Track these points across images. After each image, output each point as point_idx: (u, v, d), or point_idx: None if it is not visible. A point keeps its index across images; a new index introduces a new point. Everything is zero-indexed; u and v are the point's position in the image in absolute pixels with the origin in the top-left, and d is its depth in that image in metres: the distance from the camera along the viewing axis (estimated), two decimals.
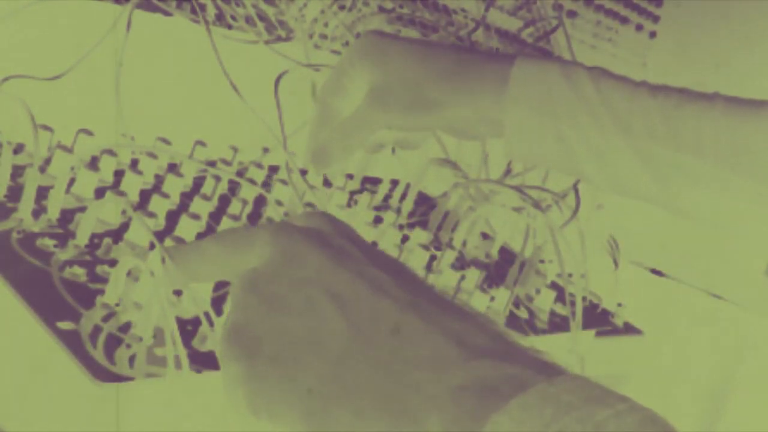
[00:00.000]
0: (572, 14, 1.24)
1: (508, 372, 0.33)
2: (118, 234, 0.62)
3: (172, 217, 0.67)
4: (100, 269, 0.58)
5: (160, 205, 0.67)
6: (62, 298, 0.53)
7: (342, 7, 0.93)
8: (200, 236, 0.66)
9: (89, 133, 0.70)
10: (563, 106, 0.64)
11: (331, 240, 0.40)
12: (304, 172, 0.77)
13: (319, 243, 0.40)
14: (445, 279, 0.77)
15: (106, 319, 0.52)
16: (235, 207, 0.73)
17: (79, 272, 0.56)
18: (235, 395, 0.37)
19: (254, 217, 0.74)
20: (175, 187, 0.71)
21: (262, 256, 0.40)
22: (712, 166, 0.63)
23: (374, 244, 0.75)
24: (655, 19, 1.40)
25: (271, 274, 0.39)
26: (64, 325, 0.50)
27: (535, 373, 0.33)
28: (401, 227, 0.86)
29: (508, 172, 0.95)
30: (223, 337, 0.38)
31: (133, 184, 0.68)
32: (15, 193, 0.62)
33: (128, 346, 0.51)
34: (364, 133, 0.65)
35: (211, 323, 0.51)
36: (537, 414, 0.31)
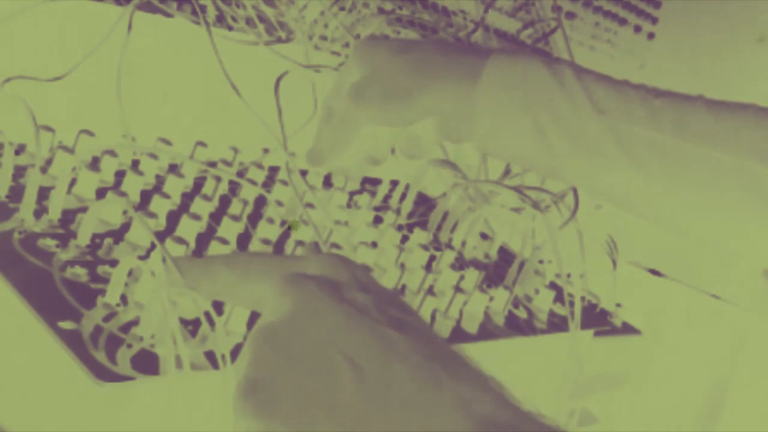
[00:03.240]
0: (571, 15, 1.24)
1: None
2: (119, 234, 0.62)
3: (173, 218, 0.67)
4: (102, 269, 0.58)
5: (161, 206, 0.67)
6: (63, 298, 0.53)
7: (342, 9, 0.93)
8: (201, 237, 0.66)
9: (90, 133, 0.71)
10: (538, 87, 0.62)
11: (346, 293, 0.40)
12: (304, 173, 0.78)
13: (336, 298, 0.40)
14: (444, 279, 0.77)
15: (107, 318, 0.52)
16: (235, 207, 0.73)
17: (80, 272, 0.57)
18: None
19: (255, 217, 0.75)
20: (175, 187, 0.72)
21: (278, 308, 0.40)
22: (695, 145, 0.60)
23: (374, 244, 0.76)
24: (654, 20, 1.41)
25: (289, 331, 0.39)
26: (66, 324, 0.50)
27: None
28: (401, 227, 0.86)
29: (507, 172, 0.95)
30: (238, 390, 0.38)
31: (134, 185, 0.68)
32: (16, 193, 0.63)
33: (129, 345, 0.51)
34: (349, 129, 0.65)
35: (211, 323, 0.51)
36: None
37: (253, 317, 0.56)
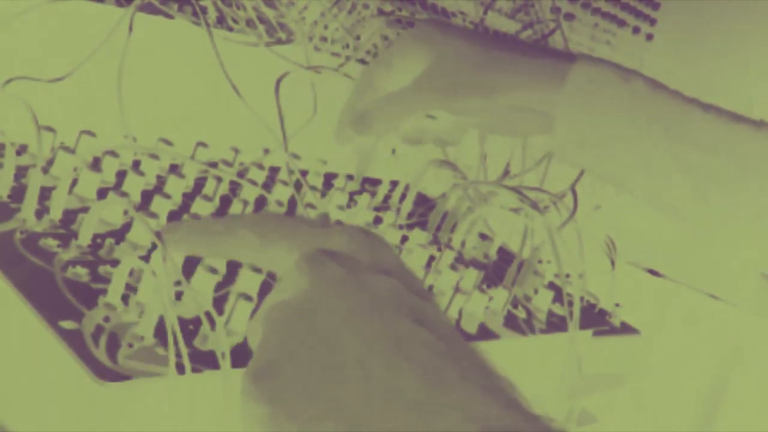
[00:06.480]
0: (570, 17, 1.24)
1: None
2: (120, 234, 0.63)
3: (174, 218, 0.67)
4: (103, 269, 0.58)
5: (161, 206, 0.67)
6: (65, 297, 0.54)
7: (342, 10, 0.93)
8: None
9: (92, 134, 0.71)
10: (613, 101, 0.64)
11: (367, 277, 0.40)
12: (304, 173, 0.78)
13: (354, 286, 0.40)
14: (443, 279, 0.78)
15: (108, 318, 0.53)
16: (236, 207, 0.73)
17: (81, 272, 0.57)
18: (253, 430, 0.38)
19: None
20: (176, 187, 0.72)
21: (295, 283, 0.40)
22: (752, 173, 0.63)
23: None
24: (652, 21, 1.41)
25: (303, 316, 0.39)
26: (67, 324, 0.51)
27: None
28: (400, 227, 0.87)
29: (506, 173, 0.96)
30: (247, 372, 0.38)
31: (135, 185, 0.68)
32: (18, 193, 0.63)
33: (130, 345, 0.51)
34: (406, 108, 0.66)
35: (212, 323, 0.51)
36: None
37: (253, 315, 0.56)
